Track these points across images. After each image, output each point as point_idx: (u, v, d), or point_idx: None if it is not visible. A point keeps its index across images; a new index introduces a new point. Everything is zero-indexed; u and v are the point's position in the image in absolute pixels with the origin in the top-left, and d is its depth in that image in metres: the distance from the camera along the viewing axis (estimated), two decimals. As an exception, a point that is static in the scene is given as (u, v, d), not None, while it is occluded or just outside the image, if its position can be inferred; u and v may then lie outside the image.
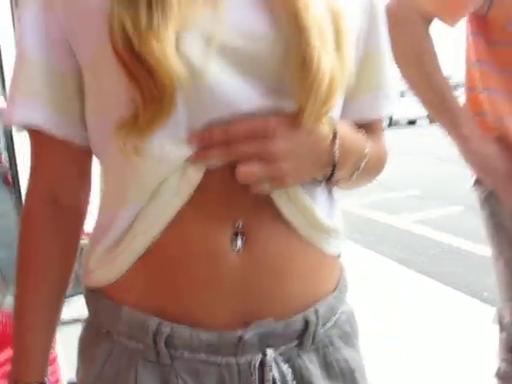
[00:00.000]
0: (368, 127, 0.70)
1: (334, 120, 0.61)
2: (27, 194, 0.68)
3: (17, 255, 0.67)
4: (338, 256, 0.69)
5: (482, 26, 1.16)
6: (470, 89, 1.25)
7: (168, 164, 0.56)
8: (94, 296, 0.65)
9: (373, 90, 0.70)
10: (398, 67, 1.12)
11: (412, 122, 18.77)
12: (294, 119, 0.56)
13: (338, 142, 0.59)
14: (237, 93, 0.54)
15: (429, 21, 1.13)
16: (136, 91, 0.52)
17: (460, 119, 1.14)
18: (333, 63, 0.54)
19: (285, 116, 0.56)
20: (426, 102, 1.16)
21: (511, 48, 1.12)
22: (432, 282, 3.54)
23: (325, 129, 0.58)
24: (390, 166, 0.79)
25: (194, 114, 0.55)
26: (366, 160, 0.65)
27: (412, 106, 14.14)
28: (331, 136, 0.59)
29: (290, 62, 0.54)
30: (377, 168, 0.73)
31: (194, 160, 0.56)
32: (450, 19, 1.11)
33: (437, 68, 1.14)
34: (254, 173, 0.56)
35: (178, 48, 0.51)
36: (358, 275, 3.53)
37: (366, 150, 0.65)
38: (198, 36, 0.53)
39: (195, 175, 0.56)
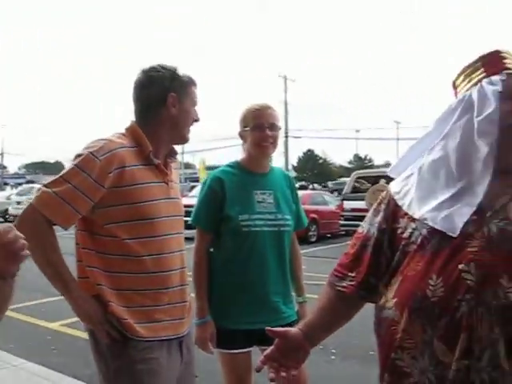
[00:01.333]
0: None
1: None
2: None
3: None
4: None
5: (88, 223, 1.82)
6: (79, 262, 1.84)
7: None
8: None
9: None
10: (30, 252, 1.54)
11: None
12: None
13: None
14: None
15: (51, 223, 1.72)
16: None
17: (70, 285, 1.76)
18: None
19: None
20: (50, 277, 1.75)
21: (107, 239, 1.79)
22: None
23: None
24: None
25: None
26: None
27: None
28: None
29: None
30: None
31: None
32: (64, 225, 1.74)
33: (57, 253, 1.75)
34: None
35: None
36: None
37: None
38: None
39: None
